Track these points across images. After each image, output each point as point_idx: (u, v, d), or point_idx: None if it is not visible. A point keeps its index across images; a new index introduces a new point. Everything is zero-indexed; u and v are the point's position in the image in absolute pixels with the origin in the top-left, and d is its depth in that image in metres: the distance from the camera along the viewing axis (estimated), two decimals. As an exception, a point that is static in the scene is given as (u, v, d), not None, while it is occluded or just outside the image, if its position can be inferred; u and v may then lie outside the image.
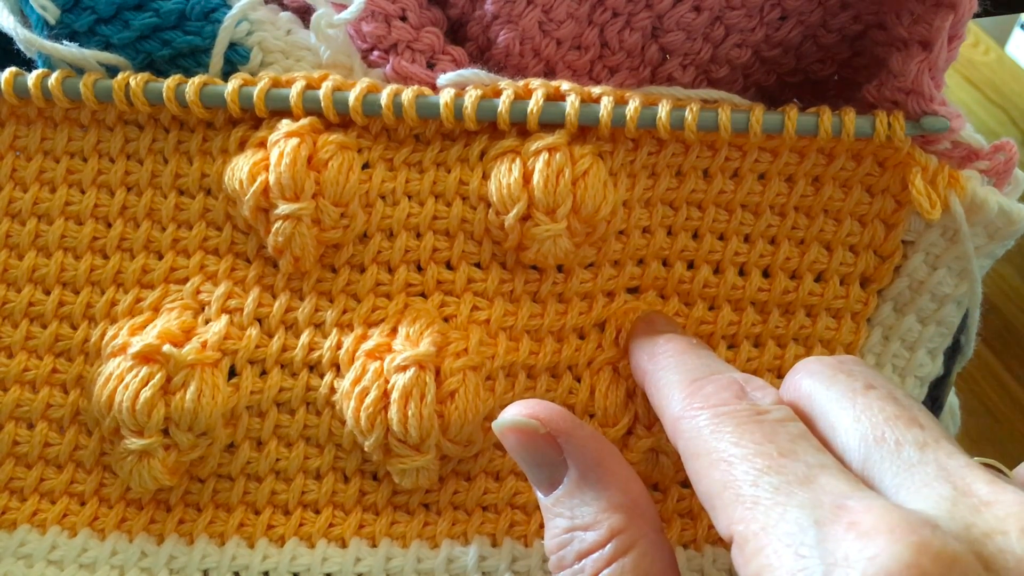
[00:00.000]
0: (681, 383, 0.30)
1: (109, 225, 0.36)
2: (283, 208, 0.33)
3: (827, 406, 0.27)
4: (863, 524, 0.22)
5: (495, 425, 0.30)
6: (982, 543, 0.21)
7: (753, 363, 0.37)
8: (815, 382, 0.28)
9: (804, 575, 0.22)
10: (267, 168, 0.34)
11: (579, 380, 0.36)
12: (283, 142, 0.34)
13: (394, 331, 0.35)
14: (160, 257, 0.36)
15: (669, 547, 0.29)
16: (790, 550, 0.22)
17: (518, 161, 0.34)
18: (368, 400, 0.33)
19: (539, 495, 0.30)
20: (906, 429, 0.25)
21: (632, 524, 0.28)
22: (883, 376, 0.28)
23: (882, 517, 0.22)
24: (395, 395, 0.33)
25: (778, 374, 0.38)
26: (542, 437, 0.29)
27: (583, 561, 0.28)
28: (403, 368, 0.33)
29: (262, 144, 0.34)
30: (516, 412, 0.29)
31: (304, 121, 0.34)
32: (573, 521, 0.29)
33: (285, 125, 0.34)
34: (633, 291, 0.37)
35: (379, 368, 0.33)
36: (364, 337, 0.35)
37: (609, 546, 0.28)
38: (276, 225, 0.34)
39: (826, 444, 0.26)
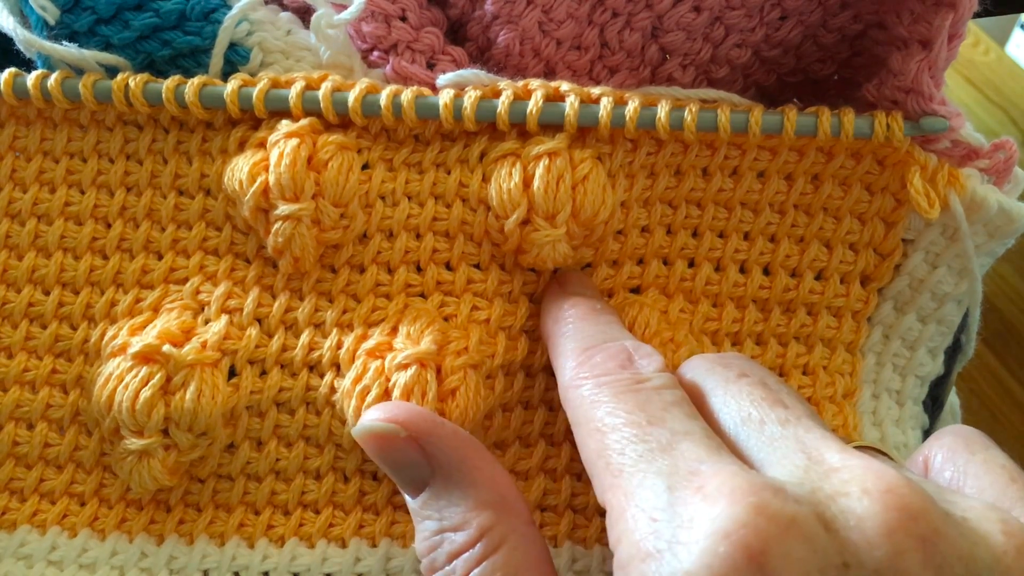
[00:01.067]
0: (575, 351, 0.31)
1: (109, 225, 0.36)
2: (283, 208, 0.33)
3: (706, 392, 0.29)
4: (708, 487, 0.23)
5: (355, 431, 0.29)
6: (825, 505, 0.23)
7: (756, 360, 0.37)
8: (697, 373, 0.30)
9: (655, 537, 0.23)
10: (267, 169, 0.34)
11: None
12: (283, 143, 0.34)
13: (394, 330, 0.35)
14: (160, 257, 0.36)
15: (541, 539, 0.29)
16: (645, 515, 0.24)
17: (518, 165, 0.34)
18: (369, 398, 0.33)
19: (407, 499, 0.30)
20: (770, 409, 0.27)
21: (501, 520, 0.28)
22: (760, 367, 0.30)
23: (727, 481, 0.23)
24: (396, 393, 0.33)
25: (779, 372, 0.38)
26: (403, 440, 0.29)
27: (454, 562, 0.28)
28: (404, 366, 0.33)
29: (262, 144, 0.34)
30: (374, 416, 0.29)
31: (304, 122, 0.34)
32: (442, 523, 0.29)
33: (285, 126, 0.34)
34: (635, 291, 0.37)
35: (380, 367, 0.33)
36: (364, 337, 0.35)
37: (479, 545, 0.28)
38: (276, 225, 0.34)
39: (705, 420, 0.27)
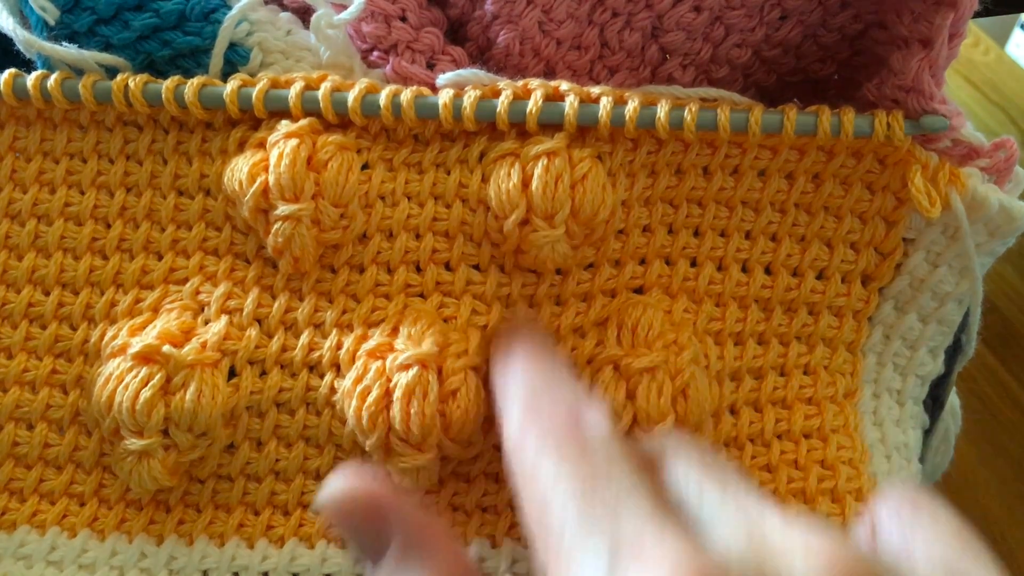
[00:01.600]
0: (519, 406, 0.30)
1: (108, 226, 0.36)
2: (283, 209, 0.33)
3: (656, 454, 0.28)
4: (650, 559, 0.22)
5: (317, 499, 0.29)
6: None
7: (758, 360, 0.37)
8: (650, 446, 0.29)
9: None
10: (266, 169, 0.34)
11: (579, 379, 0.36)
12: (282, 143, 0.34)
13: (395, 331, 0.35)
14: (160, 258, 0.36)
15: None
16: None
17: (517, 165, 0.34)
18: (370, 399, 0.33)
19: (366, 567, 0.29)
20: (714, 479, 0.26)
21: None
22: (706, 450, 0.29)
23: (668, 554, 0.22)
24: (398, 393, 0.33)
25: (781, 372, 0.38)
26: (362, 511, 0.28)
27: None
28: (406, 367, 0.33)
29: (261, 145, 0.34)
30: (334, 488, 0.28)
31: (303, 122, 0.34)
32: None
33: (284, 126, 0.34)
34: (638, 291, 0.37)
35: (381, 367, 0.33)
36: (364, 337, 0.35)
37: None
38: (276, 226, 0.34)
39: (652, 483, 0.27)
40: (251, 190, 0.34)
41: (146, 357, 0.34)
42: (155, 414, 0.33)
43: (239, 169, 0.34)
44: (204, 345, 0.34)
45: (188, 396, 0.33)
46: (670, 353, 0.34)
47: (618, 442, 0.27)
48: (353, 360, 0.34)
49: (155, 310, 0.35)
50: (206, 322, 0.35)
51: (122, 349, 0.34)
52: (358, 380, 0.34)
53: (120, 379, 0.34)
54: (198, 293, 0.35)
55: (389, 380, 0.33)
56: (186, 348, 0.34)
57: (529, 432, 0.28)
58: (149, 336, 0.34)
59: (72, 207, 0.36)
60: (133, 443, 0.34)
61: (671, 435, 0.29)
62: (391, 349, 0.34)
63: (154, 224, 0.36)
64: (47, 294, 0.36)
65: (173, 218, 0.36)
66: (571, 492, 0.25)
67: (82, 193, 0.36)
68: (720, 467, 0.27)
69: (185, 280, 0.36)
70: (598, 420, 0.28)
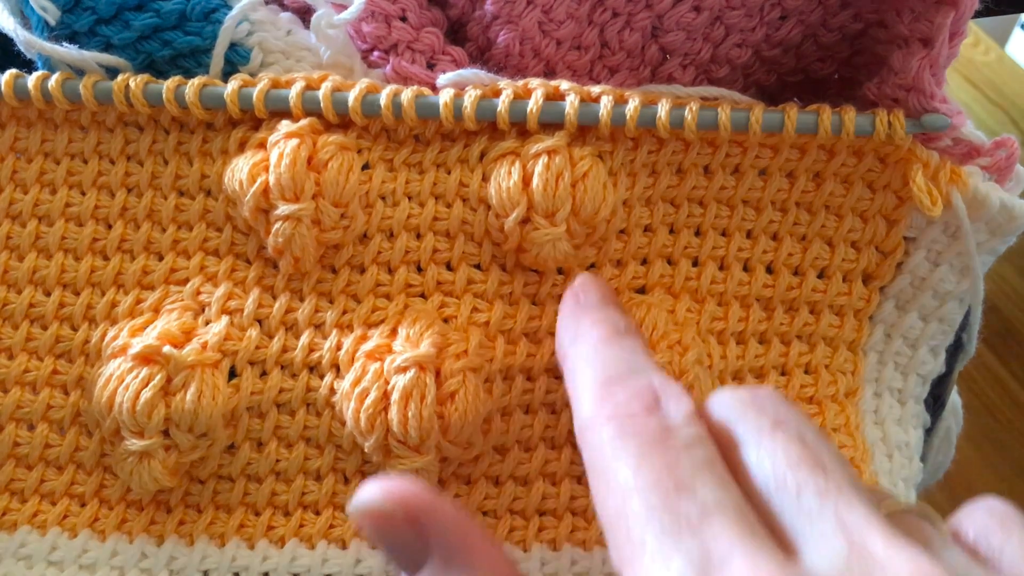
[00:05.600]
0: (594, 382, 0.28)
1: (109, 226, 0.36)
2: (283, 209, 0.33)
3: (738, 441, 0.26)
4: None
5: (350, 508, 0.27)
6: None
7: (760, 359, 0.37)
8: (727, 415, 0.27)
9: None
10: (267, 169, 0.34)
11: None
12: (283, 143, 0.34)
13: (394, 332, 0.34)
14: (160, 258, 0.36)
15: None
16: None
17: (517, 164, 0.34)
18: (368, 401, 0.33)
19: None
20: (809, 475, 0.24)
21: None
22: (795, 411, 0.27)
23: (759, 573, 0.21)
24: (395, 396, 0.33)
25: (782, 371, 0.38)
26: (400, 520, 0.26)
27: None
28: (403, 369, 0.33)
29: (262, 145, 0.34)
30: (371, 495, 0.27)
31: (304, 122, 0.34)
32: None
33: (285, 126, 0.34)
34: (640, 291, 0.37)
35: (379, 369, 0.33)
36: (364, 338, 0.35)
37: None
38: (276, 226, 0.34)
39: (736, 475, 0.25)
40: (251, 190, 0.33)
41: (147, 358, 0.34)
42: (156, 415, 0.33)
43: (240, 169, 0.34)
44: (205, 346, 0.34)
45: (189, 397, 0.33)
46: (674, 353, 0.34)
47: (699, 428, 0.25)
48: (352, 361, 0.34)
49: (156, 311, 0.35)
50: (207, 323, 0.35)
51: (123, 350, 0.34)
52: (356, 382, 0.34)
53: (121, 379, 0.33)
54: (199, 294, 0.35)
55: (387, 382, 0.33)
56: (187, 349, 0.34)
57: (607, 419, 0.26)
58: (150, 337, 0.34)
59: (73, 207, 0.36)
60: (134, 444, 0.33)
61: (751, 408, 0.26)
62: (389, 351, 0.34)
63: (155, 224, 0.36)
64: (48, 295, 0.36)
65: (174, 218, 0.36)
66: (653, 500, 0.23)
67: (83, 194, 0.36)
68: (814, 447, 0.25)
69: (186, 280, 0.36)
70: (678, 405, 0.26)
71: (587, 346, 0.30)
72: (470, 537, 0.27)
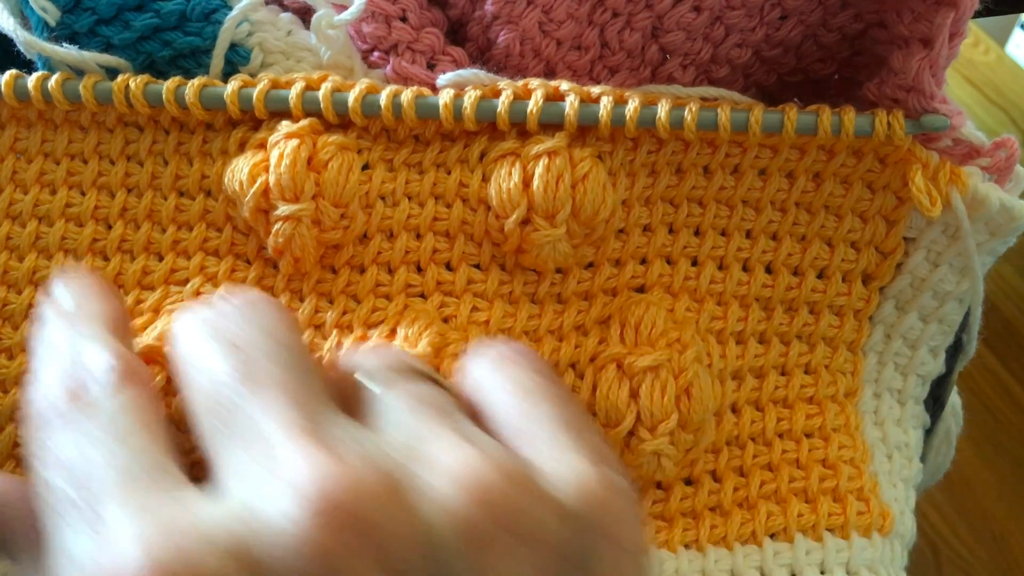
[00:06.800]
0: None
1: (110, 227, 0.36)
2: (283, 209, 0.33)
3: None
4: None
5: None
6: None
7: (760, 359, 0.37)
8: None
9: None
10: (267, 169, 0.34)
11: (582, 377, 0.36)
12: (283, 143, 0.34)
13: (393, 332, 0.34)
14: (160, 259, 0.36)
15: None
16: None
17: (518, 165, 0.34)
18: None
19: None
20: (233, 392, 0.25)
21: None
22: (252, 329, 0.27)
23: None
24: None
25: (782, 371, 0.38)
26: None
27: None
28: None
29: (262, 145, 0.34)
30: None
31: (304, 122, 0.34)
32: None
33: (285, 126, 0.34)
34: (639, 290, 0.37)
35: None
36: (364, 338, 0.35)
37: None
38: (276, 226, 0.34)
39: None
40: (251, 191, 0.33)
41: (147, 358, 0.34)
42: (156, 415, 0.33)
43: (239, 170, 0.34)
44: None
45: (189, 397, 0.33)
46: (673, 352, 0.35)
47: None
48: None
49: (156, 311, 0.35)
50: (207, 323, 0.35)
51: (123, 349, 0.34)
52: None
53: (121, 379, 0.33)
54: (199, 294, 0.35)
55: None
56: (187, 349, 0.34)
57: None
58: (150, 337, 0.34)
59: (73, 208, 0.36)
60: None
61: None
62: None
63: (155, 225, 0.36)
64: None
65: (174, 219, 0.36)
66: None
67: (83, 194, 0.36)
68: (253, 359, 0.26)
69: (186, 281, 0.36)
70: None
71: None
72: (28, 520, 0.27)
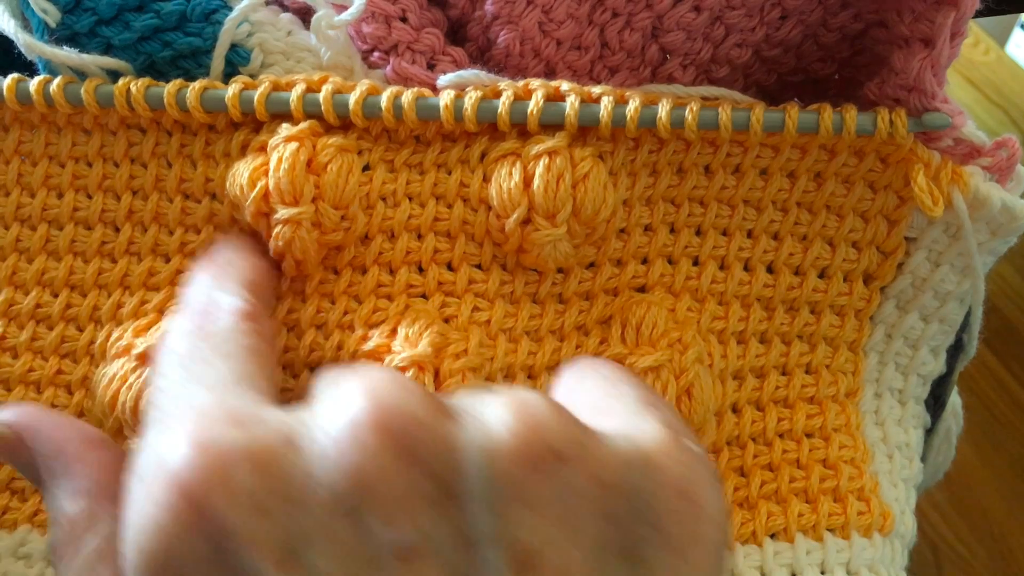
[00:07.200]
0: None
1: (117, 229, 0.36)
2: (282, 213, 0.33)
3: None
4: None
5: None
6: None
7: (760, 359, 0.37)
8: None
9: None
10: (266, 174, 0.34)
11: None
12: (282, 147, 0.34)
13: (394, 332, 0.35)
14: (167, 260, 0.36)
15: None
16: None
17: (518, 165, 0.34)
18: None
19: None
20: None
21: (95, 507, 0.28)
22: None
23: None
24: None
25: (783, 371, 0.38)
26: (12, 439, 0.29)
27: (58, 551, 0.28)
28: (402, 369, 0.33)
29: (262, 148, 0.34)
30: None
31: (303, 125, 0.34)
32: (55, 513, 0.29)
33: (284, 129, 0.34)
34: (640, 290, 0.37)
35: None
36: (364, 338, 0.35)
37: (70, 532, 0.28)
38: (276, 229, 0.34)
39: None
40: (252, 195, 0.33)
41: (150, 358, 0.34)
42: (158, 415, 0.33)
43: (240, 174, 0.34)
44: None
45: (191, 397, 0.33)
46: (674, 352, 0.35)
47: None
48: (352, 361, 0.34)
49: (161, 311, 0.35)
50: (209, 323, 0.35)
51: (126, 350, 0.34)
52: None
53: (124, 379, 0.34)
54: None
55: None
56: (189, 349, 0.34)
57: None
58: (153, 337, 0.34)
59: (80, 211, 0.36)
60: (136, 443, 0.33)
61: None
62: (389, 350, 0.34)
63: (162, 228, 0.36)
64: (55, 296, 0.36)
65: (181, 222, 0.36)
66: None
67: (89, 197, 0.36)
68: None
69: None
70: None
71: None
72: (65, 445, 0.29)
